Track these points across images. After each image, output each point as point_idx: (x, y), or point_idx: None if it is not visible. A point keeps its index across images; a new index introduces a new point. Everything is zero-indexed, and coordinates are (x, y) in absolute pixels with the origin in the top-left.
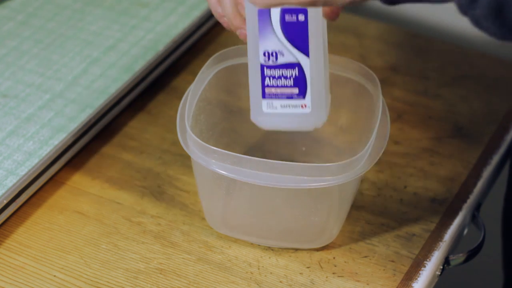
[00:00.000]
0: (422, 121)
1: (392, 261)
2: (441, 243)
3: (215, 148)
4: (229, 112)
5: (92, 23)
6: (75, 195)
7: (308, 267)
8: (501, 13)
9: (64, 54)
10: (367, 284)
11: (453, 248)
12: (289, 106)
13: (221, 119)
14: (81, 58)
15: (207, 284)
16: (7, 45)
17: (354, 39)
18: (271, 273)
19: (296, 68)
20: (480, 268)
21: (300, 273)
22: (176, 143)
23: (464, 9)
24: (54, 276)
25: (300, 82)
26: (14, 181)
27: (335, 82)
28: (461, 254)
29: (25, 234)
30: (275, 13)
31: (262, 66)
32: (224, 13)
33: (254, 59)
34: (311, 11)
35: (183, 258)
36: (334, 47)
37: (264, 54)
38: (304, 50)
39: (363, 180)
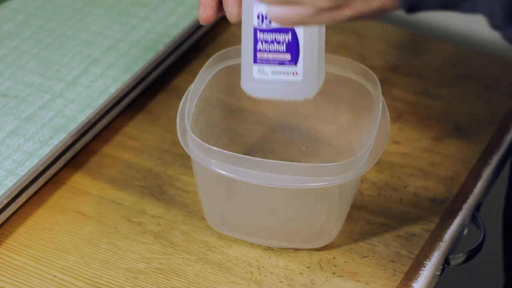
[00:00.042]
0: (422, 121)
1: (392, 261)
2: (441, 243)
3: (215, 148)
4: (229, 112)
5: (92, 23)
6: (75, 195)
7: (308, 267)
8: None
9: (64, 54)
10: (367, 284)
11: (453, 248)
12: (280, 72)
13: (221, 119)
14: (81, 58)
15: (207, 284)
16: (7, 45)
17: (354, 39)
18: (271, 273)
19: (290, 33)
20: (480, 268)
21: (300, 273)
22: (176, 143)
23: (499, 28)
24: (54, 276)
25: (293, 48)
26: (14, 181)
27: (335, 82)
28: (461, 254)
29: (25, 234)
30: None
31: (255, 30)
32: None
33: (248, 22)
34: None
35: (183, 258)
36: (334, 47)
37: (258, 17)
38: None
39: (363, 180)
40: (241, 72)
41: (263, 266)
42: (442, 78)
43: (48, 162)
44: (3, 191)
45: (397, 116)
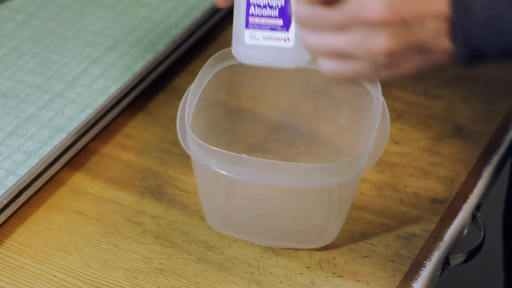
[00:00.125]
0: (422, 121)
1: (392, 261)
2: (441, 243)
3: (215, 148)
4: (229, 112)
5: (92, 23)
6: (75, 195)
7: (308, 267)
8: None
9: (64, 54)
10: (367, 284)
11: (453, 248)
12: (271, 38)
13: (221, 119)
14: (81, 58)
15: (207, 284)
16: (7, 45)
17: None
18: (271, 273)
19: None
20: (480, 268)
21: (300, 273)
22: (176, 143)
23: None
24: (54, 276)
25: (285, 14)
26: (14, 181)
27: (335, 82)
28: (461, 254)
29: (25, 234)
30: None
31: None
32: None
33: None
34: None
35: (183, 258)
36: None
37: None
38: None
39: (363, 180)
40: (233, 37)
41: (263, 266)
42: (442, 78)
43: (48, 162)
44: (3, 191)
45: (397, 116)
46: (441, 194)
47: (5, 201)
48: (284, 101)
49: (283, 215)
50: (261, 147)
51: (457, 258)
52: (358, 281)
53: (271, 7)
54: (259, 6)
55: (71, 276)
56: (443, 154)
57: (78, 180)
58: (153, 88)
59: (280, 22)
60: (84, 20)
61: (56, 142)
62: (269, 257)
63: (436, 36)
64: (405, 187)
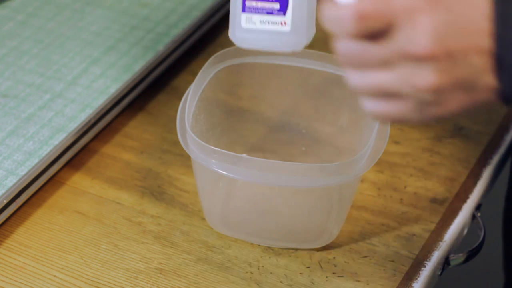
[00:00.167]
0: None
1: (392, 261)
2: (441, 243)
3: (215, 148)
4: (229, 112)
5: (92, 23)
6: (75, 195)
7: (308, 267)
8: None
9: (64, 54)
10: (367, 284)
11: (453, 248)
12: (268, 22)
13: (221, 119)
14: (81, 58)
15: (207, 284)
16: (7, 45)
17: None
18: (271, 273)
19: None
20: (480, 268)
21: (300, 273)
22: (176, 143)
23: None
24: (54, 276)
25: None
26: (14, 181)
27: (335, 82)
28: (461, 254)
29: (25, 234)
30: None
31: None
32: None
33: None
34: None
35: (183, 258)
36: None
37: None
38: None
39: (363, 180)
40: (230, 22)
41: (263, 266)
42: None
43: (48, 162)
44: (3, 191)
45: None
46: (441, 194)
47: (5, 201)
48: (284, 101)
49: (283, 215)
50: (261, 147)
51: (457, 258)
52: (358, 281)
53: None
54: None
55: (71, 276)
56: (443, 154)
57: (78, 180)
58: (153, 88)
59: (276, 6)
60: (84, 20)
61: (56, 142)
62: (269, 257)
63: (481, 72)
64: (405, 187)
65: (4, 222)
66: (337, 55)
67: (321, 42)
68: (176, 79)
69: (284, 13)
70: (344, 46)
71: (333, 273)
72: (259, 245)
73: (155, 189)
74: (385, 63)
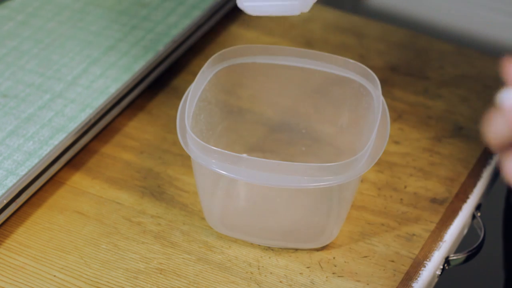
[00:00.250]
0: (422, 121)
1: (392, 261)
2: (441, 243)
3: (215, 148)
4: (229, 112)
5: (92, 23)
6: (75, 195)
7: (308, 267)
8: None
9: (64, 54)
10: (367, 284)
11: (453, 248)
12: None
13: (221, 119)
14: (81, 58)
15: (207, 284)
16: (7, 45)
17: (354, 39)
18: (271, 273)
19: None
20: (480, 268)
21: (300, 273)
22: (176, 143)
23: None
24: (54, 276)
25: None
26: (14, 181)
27: (335, 82)
28: (461, 254)
29: (25, 234)
30: None
31: None
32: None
33: None
34: None
35: (183, 258)
36: (334, 47)
37: None
38: None
39: (363, 180)
40: None
41: (263, 266)
42: (442, 78)
43: (48, 162)
44: (3, 191)
45: (397, 116)
46: (441, 194)
47: (5, 201)
48: (284, 101)
49: (283, 215)
50: (261, 147)
51: (457, 258)
52: (358, 281)
53: None
54: None
55: (71, 276)
56: (443, 154)
57: (78, 180)
58: (153, 88)
59: None
60: (84, 20)
61: (56, 142)
62: (269, 257)
63: None
64: (405, 187)
65: (4, 222)
66: (491, 140)
67: (321, 42)
68: (176, 79)
69: None
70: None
71: (333, 273)
72: (259, 245)
73: (155, 189)
74: None
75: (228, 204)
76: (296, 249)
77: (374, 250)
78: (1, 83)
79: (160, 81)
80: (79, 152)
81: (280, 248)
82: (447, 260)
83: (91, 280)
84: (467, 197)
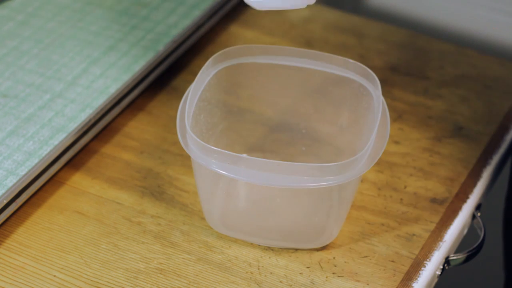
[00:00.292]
0: (422, 121)
1: (392, 261)
2: (441, 243)
3: (215, 148)
4: (229, 112)
5: (92, 23)
6: (75, 195)
7: (308, 267)
8: None
9: (64, 54)
10: (367, 284)
11: (453, 248)
12: None
13: (221, 119)
14: (81, 58)
15: (207, 284)
16: (7, 45)
17: (354, 39)
18: (271, 273)
19: None
20: (480, 268)
21: (300, 273)
22: (176, 143)
23: None
24: (54, 276)
25: None
26: (14, 181)
27: (335, 82)
28: (461, 254)
29: (25, 234)
30: None
31: None
32: None
33: None
34: None
35: (183, 258)
36: (334, 47)
37: None
38: None
39: (363, 180)
40: None
41: (263, 266)
42: (442, 78)
43: (48, 162)
44: (3, 191)
45: (397, 116)
46: (441, 194)
47: (5, 201)
48: (284, 101)
49: (283, 215)
50: (261, 147)
51: (457, 258)
52: (358, 281)
53: None
54: None
55: (71, 276)
56: (443, 154)
57: (78, 180)
58: (153, 88)
59: None
60: (84, 20)
61: (56, 142)
62: (269, 257)
63: None
64: (405, 187)
65: (4, 222)
66: None
67: (321, 42)
68: (176, 79)
69: None
70: None
71: (333, 273)
72: (259, 245)
73: (155, 189)
74: None
75: (228, 204)
76: (296, 249)
77: (374, 250)
78: (1, 83)
79: (160, 81)
80: (79, 152)
81: (280, 248)
82: (447, 260)
83: (91, 280)
84: (467, 197)
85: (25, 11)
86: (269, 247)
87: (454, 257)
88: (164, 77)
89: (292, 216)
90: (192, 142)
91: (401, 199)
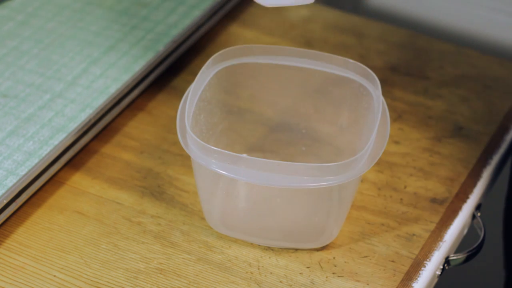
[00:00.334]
0: (422, 121)
1: (392, 261)
2: (441, 243)
3: (215, 148)
4: (229, 112)
5: (92, 23)
6: (75, 195)
7: (308, 267)
8: None
9: (64, 54)
10: (367, 284)
11: (453, 248)
12: None
13: (221, 119)
14: (81, 58)
15: (207, 284)
16: (7, 45)
17: (354, 39)
18: (271, 273)
19: None
20: (480, 268)
21: (300, 273)
22: (176, 143)
23: None
24: (54, 276)
25: None
26: (14, 181)
27: (335, 82)
28: (461, 254)
29: (25, 234)
30: None
31: None
32: None
33: None
34: None
35: (183, 258)
36: (334, 47)
37: None
38: None
39: (363, 180)
40: None
41: (263, 266)
42: (442, 78)
43: (48, 162)
44: (3, 191)
45: (397, 116)
46: (441, 194)
47: (5, 201)
48: (284, 101)
49: (283, 215)
50: (261, 147)
51: (457, 258)
52: (358, 281)
53: None
54: None
55: (71, 276)
56: (443, 154)
57: (78, 180)
58: (153, 88)
59: None
60: (84, 20)
61: (56, 142)
62: (269, 257)
63: None
64: (405, 187)
65: (4, 222)
66: None
67: (321, 42)
68: (176, 79)
69: None
70: None
71: (333, 273)
72: (259, 245)
73: (155, 189)
74: None
75: (228, 204)
76: (296, 249)
77: (374, 250)
78: (1, 83)
79: (160, 81)
80: (79, 152)
81: (280, 248)
82: (447, 260)
83: (91, 280)
84: (467, 197)
85: (25, 11)
86: (269, 247)
87: (454, 257)
88: (164, 77)
89: (292, 216)
90: (192, 142)
91: (401, 199)
